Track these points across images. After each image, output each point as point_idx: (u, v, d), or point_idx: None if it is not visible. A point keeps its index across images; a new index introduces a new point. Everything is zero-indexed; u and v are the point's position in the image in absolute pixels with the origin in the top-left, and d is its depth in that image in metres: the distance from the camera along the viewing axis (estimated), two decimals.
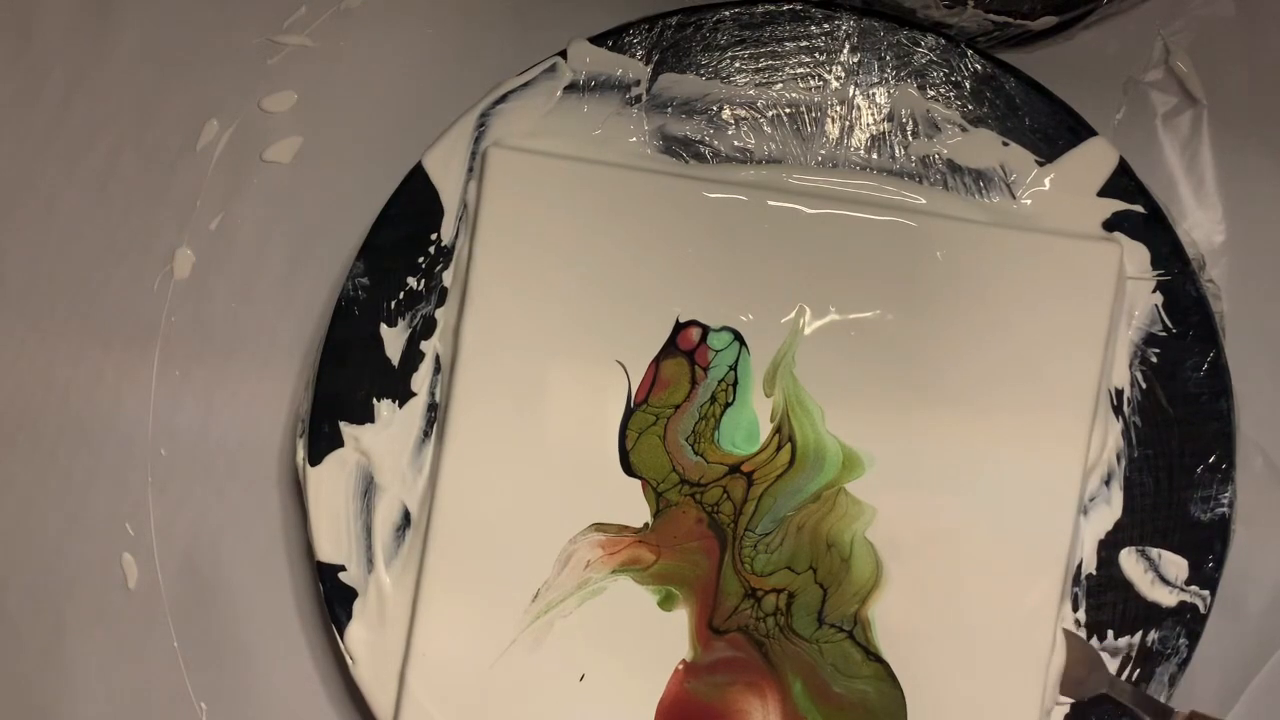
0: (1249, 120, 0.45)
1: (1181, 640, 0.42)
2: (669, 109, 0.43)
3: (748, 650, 0.43)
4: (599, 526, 0.43)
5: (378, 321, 0.43)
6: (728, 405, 0.43)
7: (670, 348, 0.43)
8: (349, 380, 0.43)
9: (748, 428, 0.43)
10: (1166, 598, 0.42)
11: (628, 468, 0.43)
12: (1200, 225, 0.45)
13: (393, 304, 0.43)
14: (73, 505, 0.46)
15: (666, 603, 0.43)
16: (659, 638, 0.43)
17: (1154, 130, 0.45)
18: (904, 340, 0.43)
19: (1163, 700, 0.41)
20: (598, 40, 0.43)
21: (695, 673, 0.43)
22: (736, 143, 0.43)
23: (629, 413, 0.43)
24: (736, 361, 0.43)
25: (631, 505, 0.43)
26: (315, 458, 0.43)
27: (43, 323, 0.47)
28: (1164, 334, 0.42)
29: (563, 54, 0.43)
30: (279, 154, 0.47)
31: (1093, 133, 0.43)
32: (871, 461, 0.43)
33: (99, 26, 0.47)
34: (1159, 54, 0.46)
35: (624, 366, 0.43)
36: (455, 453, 0.43)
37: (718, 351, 0.43)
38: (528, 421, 0.43)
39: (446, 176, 0.43)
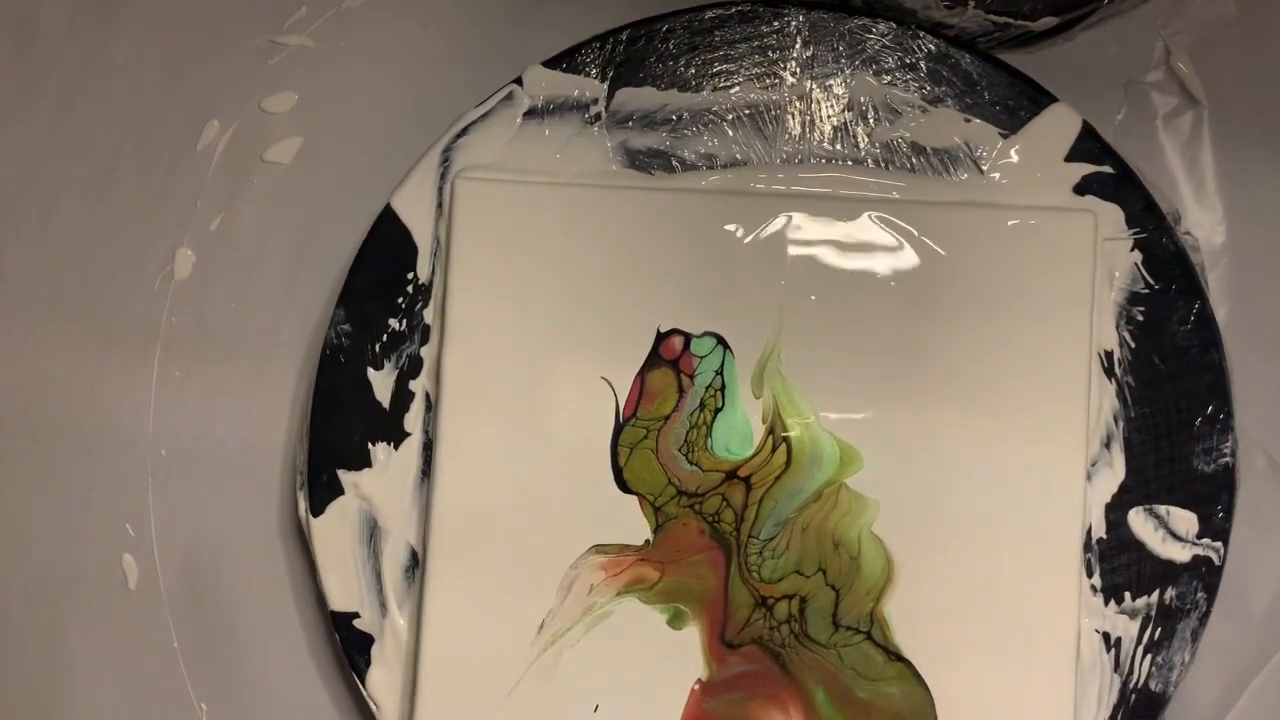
0: (1250, 121, 0.45)
1: (1200, 594, 0.42)
2: (630, 123, 0.44)
3: (764, 662, 0.42)
4: (599, 548, 0.42)
5: (364, 366, 0.43)
6: (718, 411, 0.43)
7: (654, 359, 0.43)
8: (342, 427, 0.43)
9: (740, 431, 0.43)
10: (1180, 553, 0.42)
11: (622, 484, 0.43)
12: (1201, 226, 0.45)
13: (377, 347, 0.43)
14: (73, 505, 0.46)
15: (676, 621, 0.42)
16: (671, 658, 0.42)
17: (1155, 131, 0.46)
18: (889, 330, 0.42)
19: (1188, 657, 0.42)
20: (552, 63, 0.44)
21: (712, 691, 0.42)
22: (700, 149, 0.44)
23: (619, 428, 0.43)
24: (722, 366, 0.43)
25: (630, 523, 0.43)
26: (317, 508, 0.43)
27: (43, 323, 0.47)
28: (1147, 291, 0.43)
29: (519, 81, 0.43)
30: (279, 154, 0.47)
31: (1053, 99, 0.43)
32: (869, 454, 0.42)
33: (99, 26, 0.47)
34: (1160, 55, 0.46)
35: (609, 383, 0.43)
36: (446, 491, 0.42)
37: (702, 358, 0.43)
38: (517, 450, 0.43)
39: (416, 215, 0.44)
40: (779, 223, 0.43)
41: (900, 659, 0.42)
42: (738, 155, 0.44)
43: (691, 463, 0.43)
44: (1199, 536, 0.42)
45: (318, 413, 0.43)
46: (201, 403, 0.46)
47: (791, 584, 0.42)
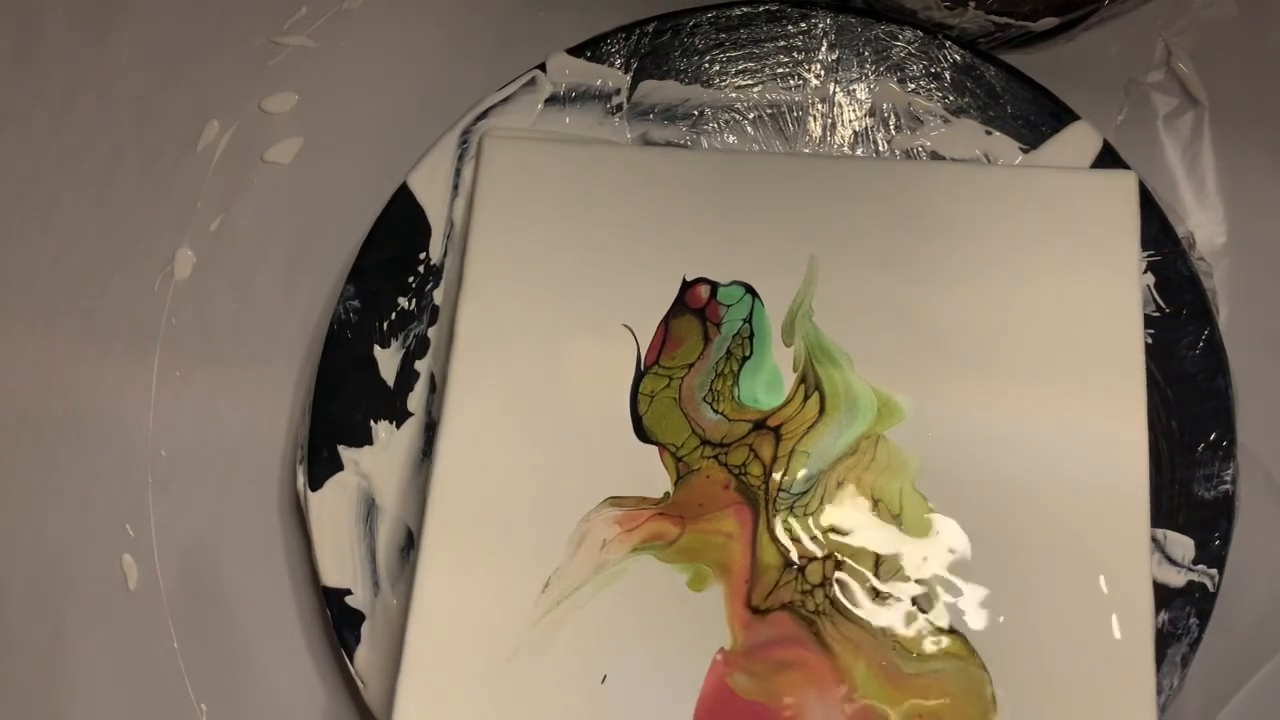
0: (1250, 121, 0.45)
1: (1192, 620, 0.41)
2: (651, 115, 0.44)
3: (796, 631, 0.38)
4: (614, 500, 0.39)
5: (371, 344, 0.43)
6: (745, 359, 0.40)
7: (679, 307, 0.41)
8: (345, 404, 0.43)
9: (770, 380, 0.40)
10: (1175, 578, 0.41)
11: (641, 433, 0.40)
12: (1202, 227, 0.45)
13: (385, 325, 0.43)
14: (73, 506, 0.46)
15: (696, 582, 0.39)
16: (691, 624, 0.38)
17: (1155, 131, 0.46)
18: (926, 282, 0.40)
19: (1176, 682, 0.41)
20: (576, 51, 0.44)
21: (736, 662, 0.38)
22: (720, 146, 0.44)
23: (639, 376, 0.40)
24: (750, 314, 0.41)
25: (649, 474, 0.40)
26: (315, 483, 0.43)
27: (43, 323, 0.46)
28: (1157, 315, 0.43)
29: (542, 66, 0.43)
30: (280, 155, 0.47)
31: (1075, 117, 0.44)
32: (909, 406, 0.39)
33: (99, 26, 0.47)
34: (1160, 55, 0.46)
35: (631, 330, 0.41)
36: (452, 436, 0.40)
37: (729, 306, 0.41)
38: (529, 397, 0.40)
39: (431, 195, 0.44)
40: (811, 176, 0.41)
41: (952, 631, 0.38)
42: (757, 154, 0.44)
43: (717, 411, 0.40)
44: (1195, 562, 0.41)
45: (322, 387, 0.43)
46: (201, 403, 0.46)
47: (827, 544, 0.39)
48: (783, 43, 0.44)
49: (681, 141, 0.44)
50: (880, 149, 0.44)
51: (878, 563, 0.39)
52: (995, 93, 0.44)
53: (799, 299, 0.41)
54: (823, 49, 0.44)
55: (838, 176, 0.41)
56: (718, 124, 0.44)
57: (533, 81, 0.44)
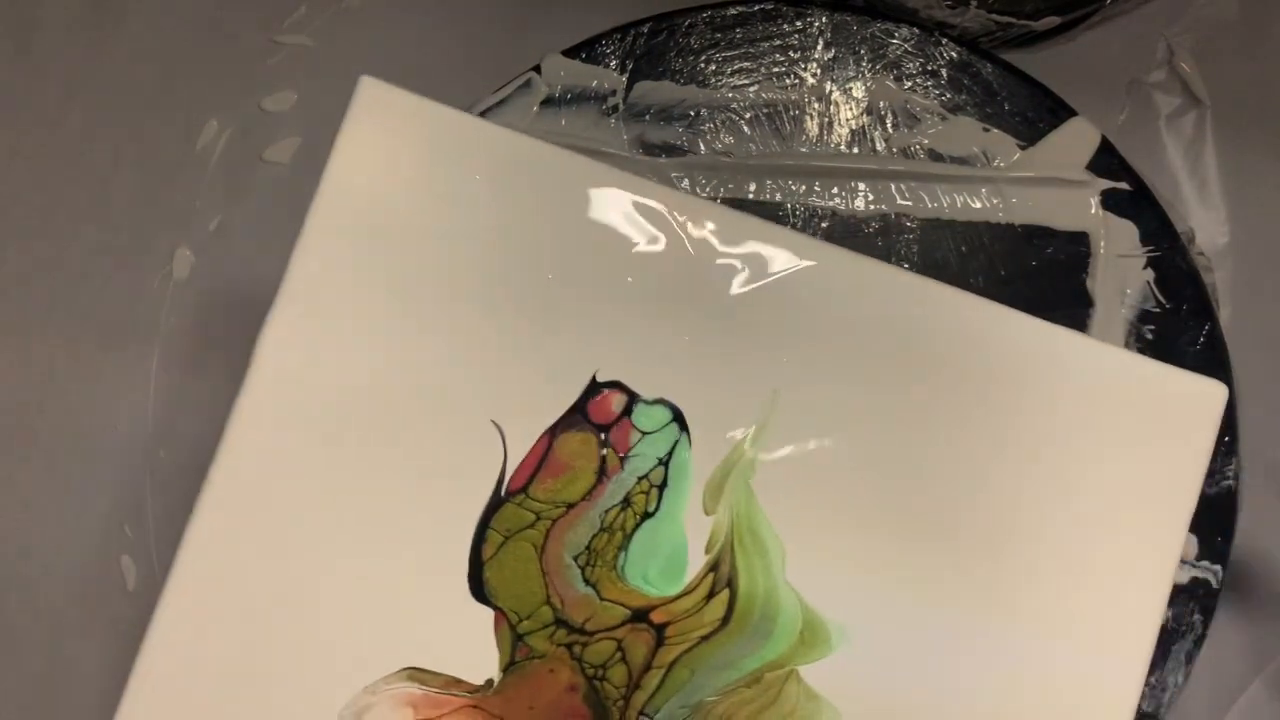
0: (1253, 121, 0.45)
1: (1196, 616, 0.42)
2: (646, 116, 0.44)
3: None
4: (415, 674, 0.29)
5: None
6: (646, 516, 0.30)
7: (575, 416, 0.30)
8: None
9: (670, 556, 0.30)
10: (1179, 575, 0.41)
11: (478, 587, 0.29)
12: (1204, 227, 0.45)
13: None
14: (71, 507, 0.46)
15: None
16: None
17: (1157, 131, 0.45)
18: (919, 456, 0.30)
19: (1181, 679, 0.41)
20: (571, 53, 0.44)
21: None
22: (716, 145, 0.44)
23: (497, 502, 0.30)
24: (670, 454, 0.30)
25: (474, 647, 0.29)
26: None
27: (42, 323, 0.46)
28: (1158, 310, 0.42)
29: (537, 69, 0.44)
30: (279, 154, 0.47)
31: (1073, 113, 0.43)
32: (843, 636, 0.29)
33: (99, 26, 0.47)
34: (1162, 55, 0.46)
35: (500, 430, 0.30)
36: (204, 526, 0.29)
37: (645, 434, 0.30)
38: (325, 494, 0.29)
39: None
40: (800, 264, 0.30)
41: None
42: (754, 153, 0.44)
43: (588, 582, 0.29)
44: (1198, 559, 0.41)
45: None
46: (200, 403, 0.46)
47: None
48: (778, 41, 0.44)
49: (678, 142, 0.44)
50: (877, 148, 0.44)
51: None
52: (992, 90, 0.44)
53: (740, 450, 0.30)
54: (819, 47, 0.44)
55: (839, 279, 0.30)
56: (714, 124, 0.44)
57: (528, 84, 0.44)
